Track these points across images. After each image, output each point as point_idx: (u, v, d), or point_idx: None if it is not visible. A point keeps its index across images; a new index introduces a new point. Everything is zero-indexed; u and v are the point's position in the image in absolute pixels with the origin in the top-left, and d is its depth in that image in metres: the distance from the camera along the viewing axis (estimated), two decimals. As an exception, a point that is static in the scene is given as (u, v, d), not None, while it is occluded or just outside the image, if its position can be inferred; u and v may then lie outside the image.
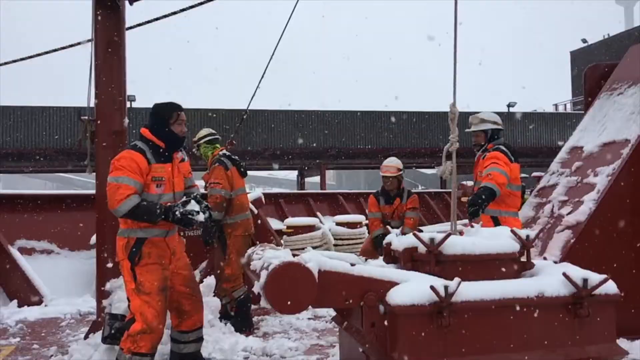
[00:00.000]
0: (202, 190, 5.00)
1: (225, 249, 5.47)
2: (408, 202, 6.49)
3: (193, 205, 3.62)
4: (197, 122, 20.66)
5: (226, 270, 5.41)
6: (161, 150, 3.74)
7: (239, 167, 5.57)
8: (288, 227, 8.28)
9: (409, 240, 3.08)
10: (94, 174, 4.82)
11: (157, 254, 3.68)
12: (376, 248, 6.38)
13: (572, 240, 4.41)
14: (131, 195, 3.52)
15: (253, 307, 5.75)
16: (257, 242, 5.50)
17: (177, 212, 3.58)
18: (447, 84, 4.17)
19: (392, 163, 6.59)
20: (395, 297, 2.69)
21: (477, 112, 5.34)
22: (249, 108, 6.25)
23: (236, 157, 5.62)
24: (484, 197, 4.60)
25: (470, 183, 8.05)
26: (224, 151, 5.64)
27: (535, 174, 11.29)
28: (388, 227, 6.31)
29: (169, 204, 3.66)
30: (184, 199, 3.70)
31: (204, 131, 5.82)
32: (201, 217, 3.63)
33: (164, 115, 3.78)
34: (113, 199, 3.53)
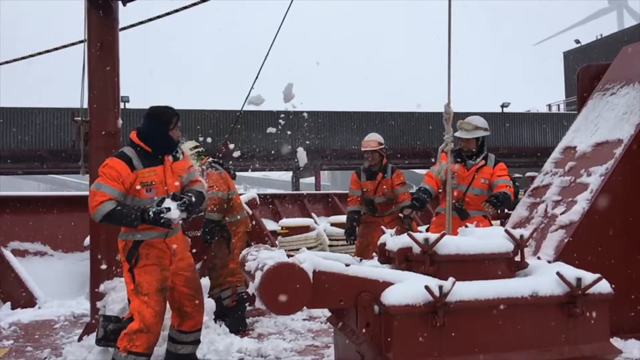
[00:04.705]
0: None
1: (229, 245, 5.63)
2: (395, 179, 6.36)
3: (166, 203, 3.54)
4: (192, 123, 20.66)
5: (230, 264, 5.56)
6: (149, 154, 3.73)
7: (228, 170, 5.85)
8: (283, 228, 8.28)
9: (403, 240, 3.09)
10: (88, 175, 4.80)
11: (156, 255, 3.69)
12: (349, 222, 6.45)
13: (565, 240, 4.42)
14: (104, 201, 3.53)
15: (248, 308, 5.76)
16: (252, 243, 5.54)
17: (150, 212, 3.52)
18: (442, 82, 4.20)
19: (373, 137, 6.52)
20: (390, 297, 2.69)
21: (467, 115, 5.42)
22: (243, 109, 6.24)
23: (223, 162, 5.85)
24: (505, 202, 5.11)
25: None
26: (211, 159, 5.82)
27: (528, 174, 11.31)
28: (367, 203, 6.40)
29: (148, 206, 3.60)
30: (159, 198, 3.64)
31: (190, 144, 5.90)
32: (174, 214, 3.51)
33: (165, 120, 3.78)
34: (90, 205, 3.61)
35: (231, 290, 5.55)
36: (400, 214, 6.14)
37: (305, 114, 22.40)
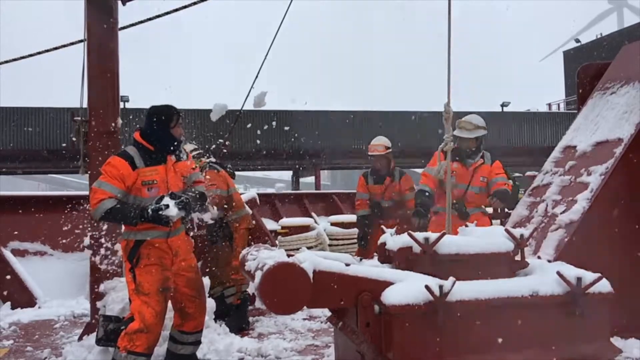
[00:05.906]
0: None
1: (232, 243, 5.66)
2: (403, 183, 6.30)
3: (165, 201, 3.56)
4: (191, 122, 20.61)
5: (234, 262, 5.52)
6: (151, 153, 3.74)
7: (227, 170, 5.93)
8: (283, 228, 8.28)
9: (403, 239, 3.08)
10: (87, 175, 4.80)
11: (157, 255, 3.70)
12: (361, 227, 6.41)
13: (565, 239, 4.42)
14: (104, 199, 3.56)
15: (249, 307, 5.78)
16: (252, 243, 5.55)
17: (149, 210, 3.54)
18: (441, 82, 4.19)
19: (380, 142, 6.40)
20: (390, 296, 2.69)
21: (466, 115, 5.46)
22: (243, 109, 6.25)
23: (220, 163, 5.94)
24: (508, 198, 5.28)
25: None
26: (209, 160, 5.88)
27: (528, 173, 11.28)
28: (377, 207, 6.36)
29: (147, 204, 3.61)
30: (159, 196, 3.65)
31: (191, 146, 5.93)
32: (172, 212, 3.53)
33: (165, 118, 3.79)
34: (90, 203, 3.65)
35: (236, 288, 5.59)
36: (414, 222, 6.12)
37: (288, 128, 22.43)
